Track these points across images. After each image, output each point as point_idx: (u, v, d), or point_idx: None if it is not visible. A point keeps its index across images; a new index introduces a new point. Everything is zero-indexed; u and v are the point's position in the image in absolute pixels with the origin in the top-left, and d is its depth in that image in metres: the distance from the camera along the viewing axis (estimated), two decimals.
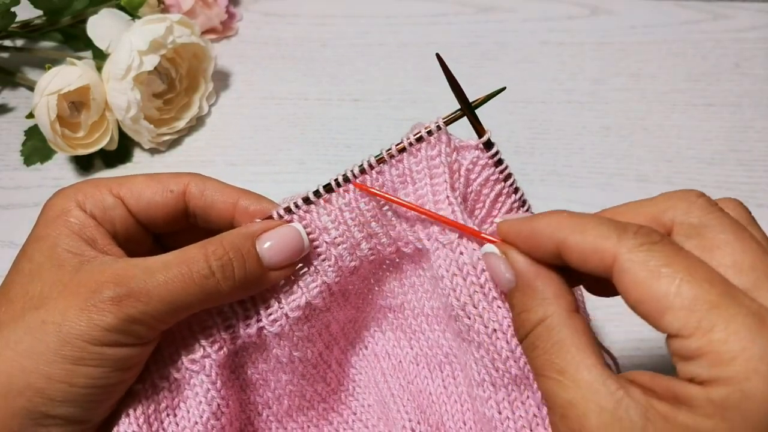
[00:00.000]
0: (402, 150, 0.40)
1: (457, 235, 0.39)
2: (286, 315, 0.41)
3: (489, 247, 0.36)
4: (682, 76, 0.75)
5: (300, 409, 0.45)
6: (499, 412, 0.39)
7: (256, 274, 0.38)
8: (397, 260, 0.43)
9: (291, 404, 0.45)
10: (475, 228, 0.38)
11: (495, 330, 0.38)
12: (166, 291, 0.35)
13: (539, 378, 0.33)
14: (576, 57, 0.77)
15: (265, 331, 0.41)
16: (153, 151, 0.69)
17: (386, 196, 0.39)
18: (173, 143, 0.70)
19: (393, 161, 0.40)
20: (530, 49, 0.78)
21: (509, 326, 0.38)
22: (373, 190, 0.40)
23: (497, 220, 0.38)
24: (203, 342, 0.39)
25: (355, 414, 0.47)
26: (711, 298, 0.28)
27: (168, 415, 0.39)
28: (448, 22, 0.81)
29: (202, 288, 0.36)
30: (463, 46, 0.78)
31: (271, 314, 0.41)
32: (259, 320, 0.41)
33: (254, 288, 0.39)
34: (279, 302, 0.41)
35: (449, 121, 0.40)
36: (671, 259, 0.29)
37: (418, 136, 0.40)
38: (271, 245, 0.39)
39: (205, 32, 0.77)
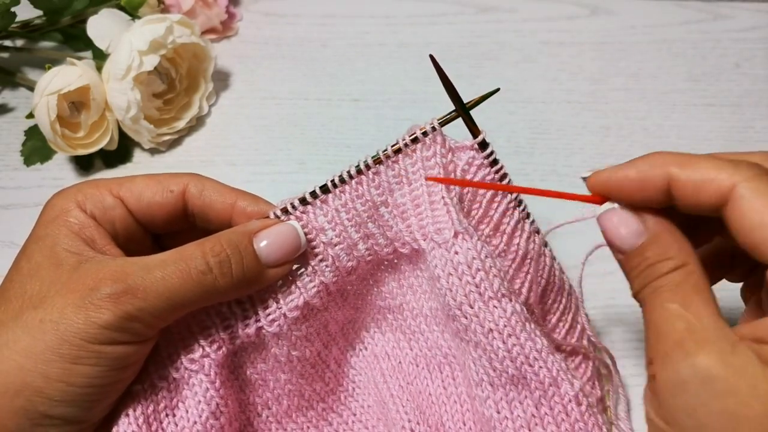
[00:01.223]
0: (398, 151, 0.40)
1: (452, 234, 0.39)
2: (285, 315, 0.41)
3: (610, 204, 0.36)
4: (682, 76, 0.75)
5: (299, 410, 0.45)
6: (498, 412, 0.40)
7: (253, 272, 0.38)
8: (395, 261, 0.43)
9: (290, 404, 0.45)
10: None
11: (491, 330, 0.38)
12: (163, 287, 0.35)
13: (655, 311, 0.33)
14: (576, 57, 0.77)
15: (263, 331, 0.41)
16: (153, 151, 0.69)
17: (460, 182, 0.39)
18: (173, 143, 0.70)
19: (389, 162, 0.40)
20: (530, 49, 0.78)
21: (505, 326, 0.38)
22: (445, 180, 0.40)
23: (585, 174, 0.37)
24: (202, 342, 0.39)
25: (354, 415, 0.47)
26: None
27: (167, 415, 0.39)
28: (448, 22, 0.81)
29: (199, 284, 0.36)
30: (463, 46, 0.78)
31: (269, 314, 0.41)
32: (257, 320, 0.41)
33: (252, 286, 0.39)
34: (277, 302, 0.41)
35: (444, 122, 0.40)
36: None
37: (413, 137, 0.40)
38: (268, 243, 0.39)
39: (205, 32, 0.77)
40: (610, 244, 0.36)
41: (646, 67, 0.76)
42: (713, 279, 0.42)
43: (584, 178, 0.38)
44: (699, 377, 0.30)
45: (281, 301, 0.41)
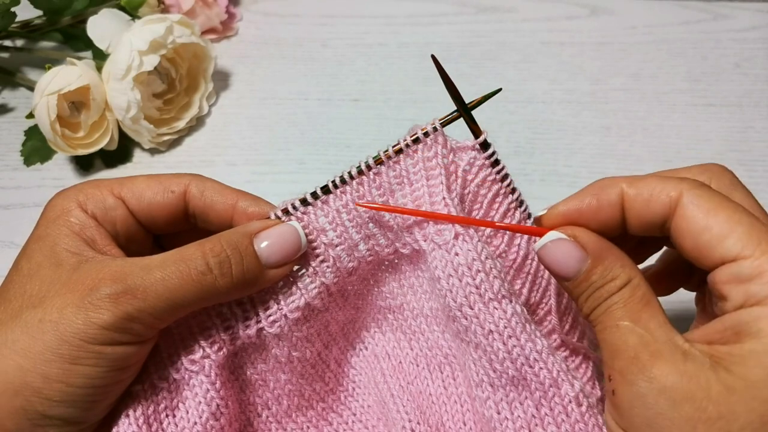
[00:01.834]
0: (399, 151, 0.40)
1: (452, 235, 0.39)
2: (285, 316, 0.41)
3: (553, 234, 0.37)
4: (682, 76, 0.75)
5: (299, 410, 0.45)
6: (498, 413, 0.39)
7: (253, 272, 0.38)
8: (396, 261, 0.43)
9: (290, 404, 0.45)
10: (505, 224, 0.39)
11: (491, 331, 0.38)
12: (163, 288, 0.35)
13: (608, 329, 0.35)
14: (576, 57, 0.77)
15: (264, 332, 0.41)
16: (153, 151, 0.69)
17: (390, 208, 0.40)
18: (173, 143, 0.70)
19: (390, 162, 0.40)
20: (530, 49, 0.78)
21: (505, 327, 0.38)
22: (374, 206, 0.40)
23: (541, 212, 0.39)
24: (203, 343, 0.39)
25: (354, 414, 0.47)
26: (764, 228, 0.33)
27: (167, 415, 0.39)
28: (448, 22, 0.81)
29: (199, 285, 0.36)
30: (463, 46, 0.78)
31: (270, 315, 0.41)
32: (258, 321, 0.41)
33: (252, 287, 0.39)
34: (278, 303, 0.41)
35: (445, 123, 0.40)
36: (726, 199, 0.35)
37: (414, 137, 0.40)
38: (269, 243, 0.39)
39: (205, 32, 0.77)
40: (555, 275, 0.37)
41: (646, 67, 0.76)
42: (671, 288, 0.44)
43: (537, 218, 0.39)
44: (655, 389, 0.32)
45: (282, 302, 0.41)
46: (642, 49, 0.78)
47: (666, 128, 0.71)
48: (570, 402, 0.38)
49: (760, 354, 0.31)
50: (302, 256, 0.40)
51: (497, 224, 0.40)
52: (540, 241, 0.37)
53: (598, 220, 0.38)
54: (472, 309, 0.38)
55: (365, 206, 0.39)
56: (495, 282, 0.38)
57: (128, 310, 0.34)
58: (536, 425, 0.39)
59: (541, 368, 0.38)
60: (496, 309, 0.38)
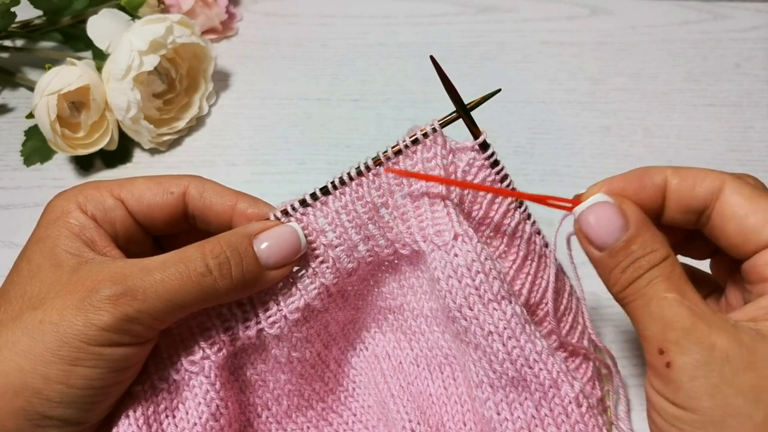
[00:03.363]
0: (398, 152, 0.40)
1: (452, 236, 0.39)
2: (285, 317, 0.41)
3: (600, 197, 0.37)
4: (682, 76, 0.75)
5: (299, 410, 0.45)
6: (498, 413, 0.40)
7: (253, 273, 0.38)
8: (396, 261, 0.43)
9: (290, 405, 0.45)
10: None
11: (491, 332, 0.38)
12: (163, 289, 0.35)
13: (654, 301, 0.35)
14: (576, 57, 0.77)
15: (264, 333, 0.41)
16: (153, 152, 0.69)
17: (420, 175, 0.39)
18: (173, 143, 0.70)
19: (389, 164, 0.40)
20: (530, 49, 0.78)
21: (505, 328, 0.38)
22: (403, 171, 0.40)
23: (581, 191, 0.39)
24: (202, 344, 0.39)
25: (354, 415, 0.47)
26: None
27: (167, 416, 0.39)
28: (448, 22, 0.81)
29: (199, 286, 0.36)
30: (463, 46, 0.78)
31: (270, 316, 0.41)
32: (258, 322, 0.41)
33: (252, 288, 0.39)
34: (278, 304, 0.41)
35: (445, 123, 0.40)
36: (766, 190, 0.37)
37: (413, 138, 0.40)
38: (268, 245, 0.39)
39: (205, 32, 0.77)
40: (592, 241, 0.37)
41: (646, 67, 0.76)
42: None
43: (577, 196, 0.39)
44: (718, 358, 0.32)
45: (282, 303, 0.41)
46: (642, 49, 0.78)
47: (666, 128, 0.71)
48: (570, 403, 0.38)
49: None
50: (302, 256, 0.40)
51: (528, 195, 0.39)
52: (584, 203, 0.37)
53: (640, 203, 0.38)
54: (471, 310, 0.38)
55: (394, 171, 0.39)
56: (494, 283, 0.38)
57: (128, 311, 0.34)
58: (536, 426, 0.39)
59: (540, 369, 0.38)
60: (496, 310, 0.38)
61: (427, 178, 0.39)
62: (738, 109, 0.72)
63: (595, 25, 0.80)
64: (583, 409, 0.39)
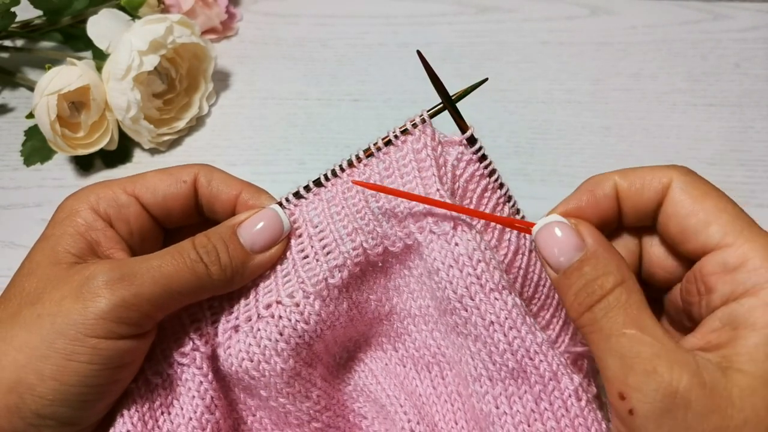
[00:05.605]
0: (388, 143, 0.40)
1: (451, 225, 0.38)
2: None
3: (554, 217, 0.36)
4: (682, 76, 0.75)
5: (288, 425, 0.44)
6: (497, 407, 0.39)
7: (240, 258, 0.39)
8: (380, 264, 0.42)
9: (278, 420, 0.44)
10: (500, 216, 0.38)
11: (492, 322, 0.37)
12: (159, 274, 0.36)
13: (612, 338, 0.33)
14: (576, 57, 0.77)
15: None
16: (153, 151, 0.69)
17: (389, 189, 0.39)
18: (173, 143, 0.70)
19: (380, 155, 0.40)
20: (530, 49, 0.78)
21: (506, 318, 0.37)
22: (371, 185, 0.40)
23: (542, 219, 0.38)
24: (192, 335, 0.40)
25: (354, 418, 0.47)
26: (746, 218, 0.34)
27: (162, 413, 0.39)
28: (448, 22, 0.81)
29: (193, 271, 0.37)
30: (463, 46, 0.78)
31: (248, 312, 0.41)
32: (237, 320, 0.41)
33: (243, 275, 0.40)
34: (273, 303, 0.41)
35: (433, 114, 0.40)
36: (713, 187, 0.36)
37: (403, 128, 0.40)
38: (251, 230, 0.40)
39: (205, 32, 0.77)
40: (547, 262, 0.36)
41: (646, 67, 0.76)
42: None
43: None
44: (681, 405, 0.31)
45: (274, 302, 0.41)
46: (642, 49, 0.78)
47: (666, 128, 0.71)
48: (570, 396, 0.38)
49: (766, 346, 0.31)
50: (287, 252, 0.41)
51: (499, 218, 0.39)
52: (539, 223, 0.37)
53: (597, 216, 0.38)
54: (473, 300, 0.38)
55: (361, 185, 0.39)
56: (495, 273, 0.38)
57: (124, 295, 0.35)
58: (535, 420, 0.39)
59: (541, 361, 0.38)
60: (497, 300, 0.37)
61: (390, 191, 0.38)
62: (738, 108, 0.72)
63: (595, 25, 0.80)
64: (583, 402, 0.38)
